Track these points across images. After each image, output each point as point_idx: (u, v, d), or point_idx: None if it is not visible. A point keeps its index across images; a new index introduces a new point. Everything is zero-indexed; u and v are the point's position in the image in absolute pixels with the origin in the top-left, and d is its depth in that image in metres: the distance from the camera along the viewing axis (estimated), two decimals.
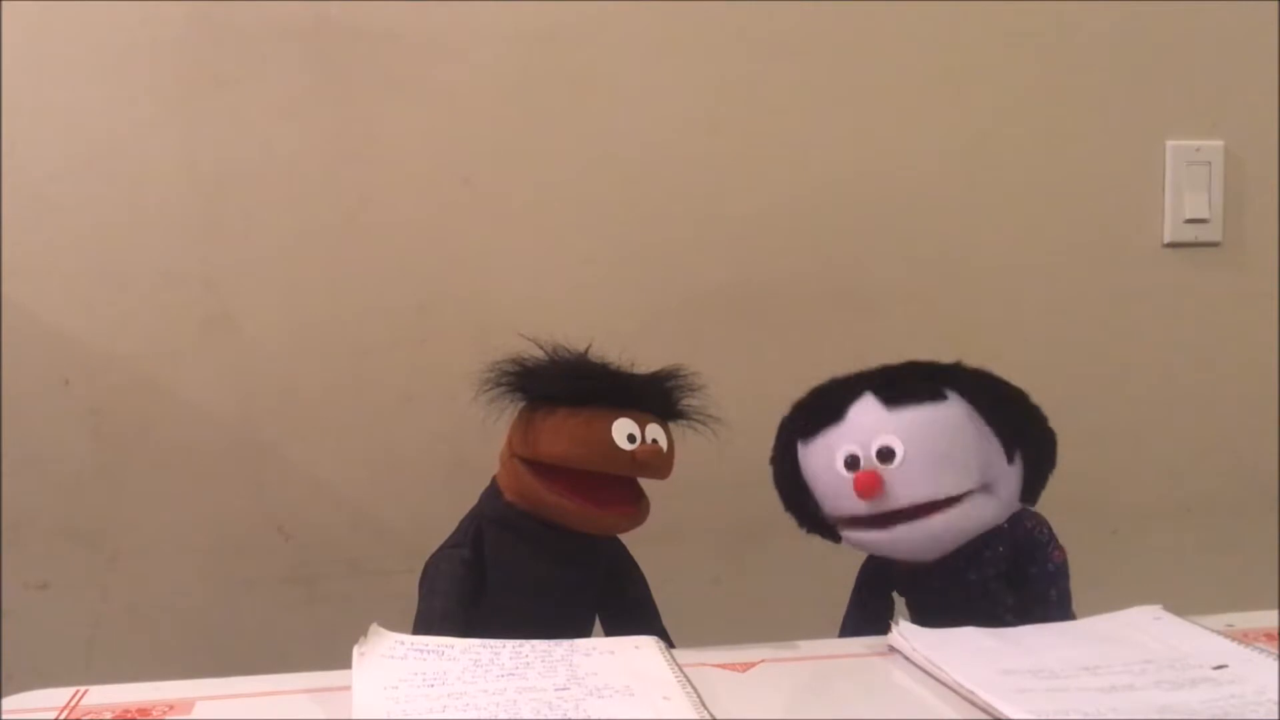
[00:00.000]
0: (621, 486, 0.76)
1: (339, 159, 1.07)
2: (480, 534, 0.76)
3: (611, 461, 0.73)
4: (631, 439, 0.73)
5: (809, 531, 0.81)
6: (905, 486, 0.73)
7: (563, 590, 0.77)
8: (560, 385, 0.74)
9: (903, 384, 0.76)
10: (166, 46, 1.04)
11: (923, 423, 0.74)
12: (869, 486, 0.72)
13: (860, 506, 0.74)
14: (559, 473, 0.74)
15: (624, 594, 0.80)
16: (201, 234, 1.06)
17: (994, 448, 0.75)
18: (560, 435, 0.73)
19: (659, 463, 0.74)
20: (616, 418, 0.73)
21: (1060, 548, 0.77)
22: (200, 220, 1.05)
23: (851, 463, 0.74)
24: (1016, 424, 0.77)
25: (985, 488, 0.74)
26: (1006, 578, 0.77)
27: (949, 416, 0.75)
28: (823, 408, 0.78)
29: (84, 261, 1.04)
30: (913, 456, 0.73)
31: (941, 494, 0.73)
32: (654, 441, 0.74)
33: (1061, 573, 0.77)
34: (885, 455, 0.73)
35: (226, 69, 1.05)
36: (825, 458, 0.76)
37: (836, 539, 0.80)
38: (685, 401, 0.78)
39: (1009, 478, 0.76)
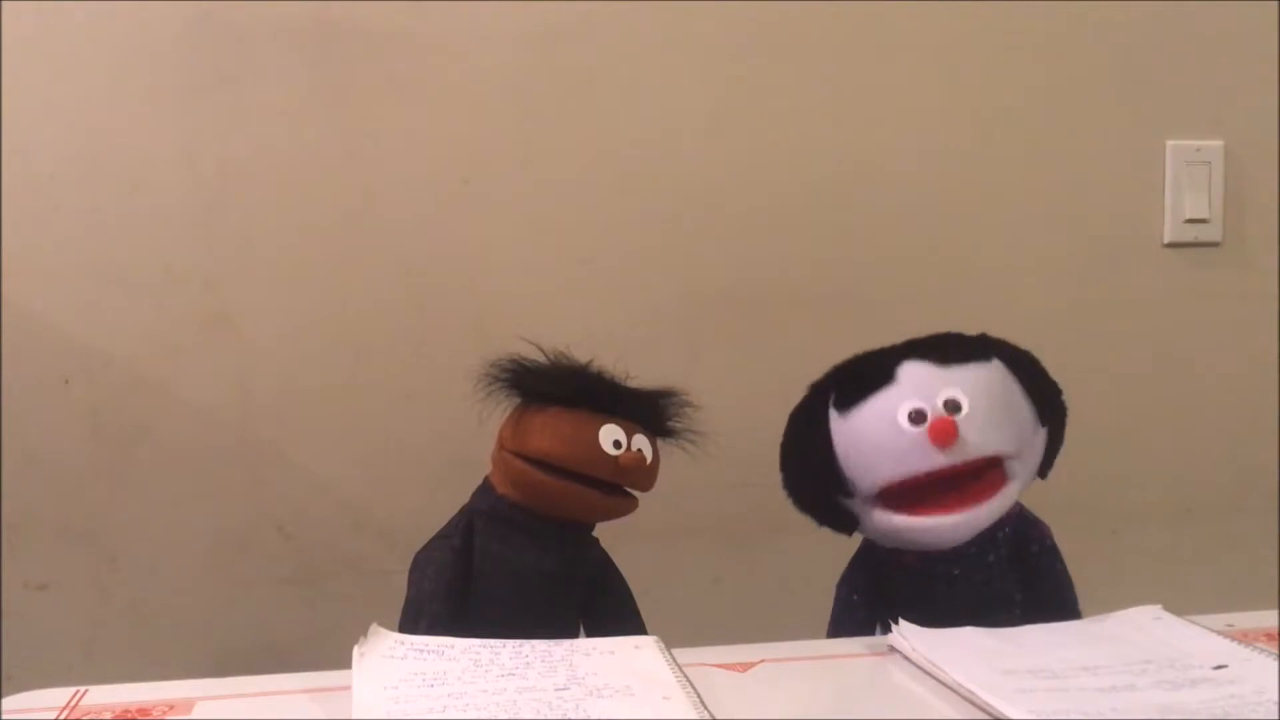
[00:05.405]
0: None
1: (339, 159, 1.07)
2: (470, 526, 0.77)
3: (594, 464, 0.74)
4: (617, 445, 0.74)
5: (820, 522, 0.78)
6: (977, 435, 0.71)
7: (549, 582, 0.77)
8: (556, 385, 0.75)
9: (947, 347, 0.76)
10: (166, 46, 1.04)
11: (979, 379, 0.73)
12: (947, 432, 0.70)
13: (931, 460, 0.71)
14: (545, 469, 0.74)
15: (606, 605, 0.80)
16: (201, 234, 1.06)
17: (1028, 411, 0.75)
18: (548, 432, 0.74)
19: (641, 471, 0.75)
20: (605, 423, 0.74)
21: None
22: (200, 220, 1.05)
23: (917, 417, 0.72)
24: (1046, 388, 0.77)
25: (1021, 454, 0.74)
26: (1010, 560, 0.76)
27: (998, 375, 0.75)
28: (867, 372, 0.75)
29: (84, 261, 1.04)
30: (978, 409, 0.72)
31: (1006, 448, 0.73)
32: (639, 451, 0.75)
33: (1057, 551, 0.78)
34: (952, 408, 0.72)
35: (226, 69, 1.05)
36: (881, 418, 0.73)
37: (849, 529, 0.78)
38: (676, 422, 0.78)
39: (1036, 445, 0.76)
